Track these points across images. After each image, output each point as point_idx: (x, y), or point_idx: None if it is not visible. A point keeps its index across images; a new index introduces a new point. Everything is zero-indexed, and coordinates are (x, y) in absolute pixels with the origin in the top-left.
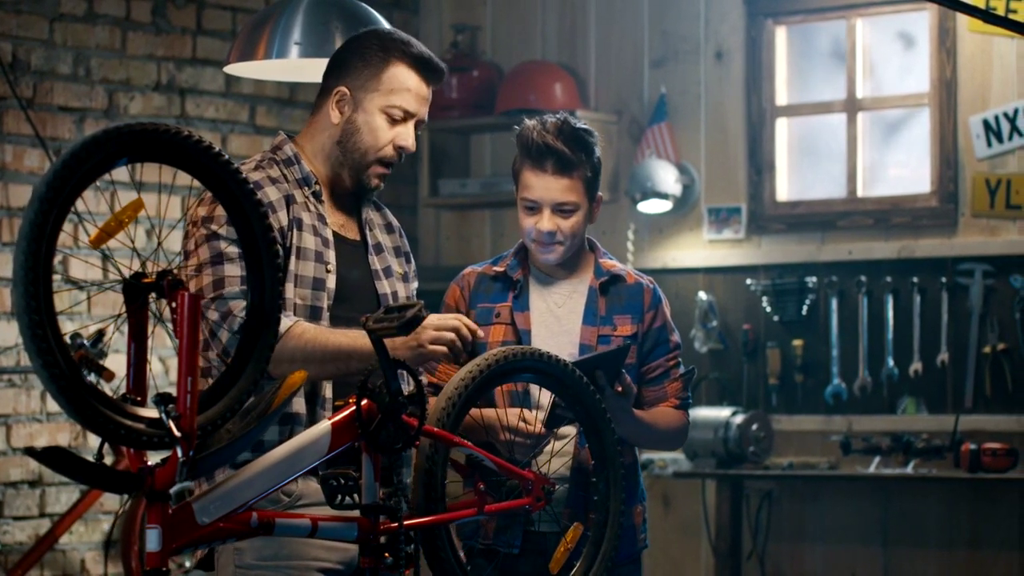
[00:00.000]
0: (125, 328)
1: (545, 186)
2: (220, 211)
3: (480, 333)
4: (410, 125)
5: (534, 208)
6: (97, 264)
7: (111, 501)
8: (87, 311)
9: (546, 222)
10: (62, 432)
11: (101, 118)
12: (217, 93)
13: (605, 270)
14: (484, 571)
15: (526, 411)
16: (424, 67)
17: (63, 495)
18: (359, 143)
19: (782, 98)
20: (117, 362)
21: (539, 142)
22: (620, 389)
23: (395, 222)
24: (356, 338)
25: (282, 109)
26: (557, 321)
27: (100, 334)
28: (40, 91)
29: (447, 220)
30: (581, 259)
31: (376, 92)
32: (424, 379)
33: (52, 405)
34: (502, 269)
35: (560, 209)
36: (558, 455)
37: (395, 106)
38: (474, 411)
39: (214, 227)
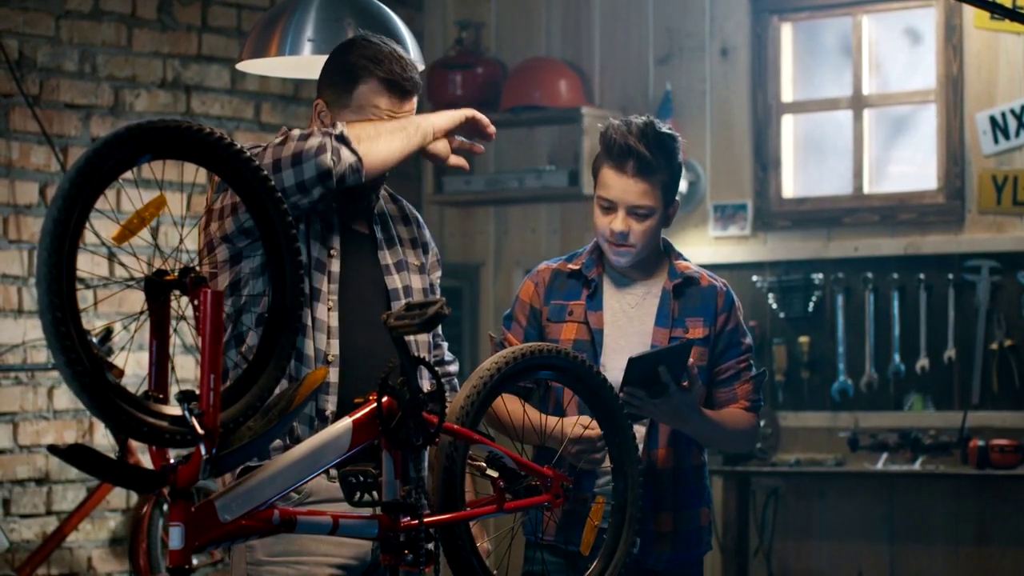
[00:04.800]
0: (132, 326)
1: (623, 187)
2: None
3: (492, 129)
4: None
5: (609, 208)
6: (103, 262)
7: (118, 499)
8: (93, 309)
9: (620, 222)
10: (68, 429)
11: (107, 115)
12: (222, 90)
13: (679, 272)
14: (548, 565)
15: (590, 420)
16: (393, 87)
17: (70, 493)
18: None
19: (788, 95)
20: (121, 360)
21: (621, 143)
22: (686, 384)
23: (412, 212)
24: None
25: (287, 106)
26: (630, 322)
27: (108, 332)
28: (46, 88)
29: (451, 217)
30: (656, 261)
31: (346, 109)
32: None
33: (59, 402)
34: (577, 267)
35: (635, 212)
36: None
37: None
38: (533, 414)
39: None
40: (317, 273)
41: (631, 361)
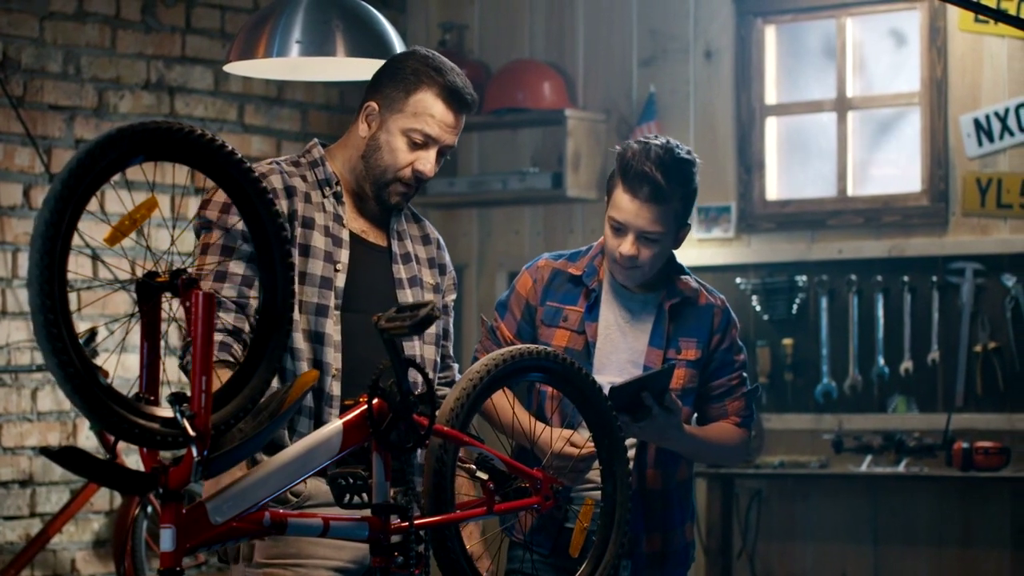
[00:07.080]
0: (116, 327)
1: (635, 212)
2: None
3: None
4: (432, 151)
5: (620, 230)
6: (87, 263)
7: (102, 501)
8: (78, 310)
9: (629, 246)
10: (52, 431)
11: (91, 116)
12: (206, 92)
13: (679, 290)
14: (518, 563)
15: (573, 433)
16: (452, 97)
17: (53, 495)
18: (379, 161)
19: (772, 97)
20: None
21: (638, 168)
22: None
23: (434, 234)
24: None
25: (270, 108)
26: (623, 336)
27: (93, 333)
28: (30, 89)
29: (435, 219)
30: (659, 275)
31: (400, 113)
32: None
33: (42, 404)
34: (579, 272)
35: (645, 236)
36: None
37: (416, 130)
38: (524, 419)
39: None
40: (324, 289)
41: (612, 390)
